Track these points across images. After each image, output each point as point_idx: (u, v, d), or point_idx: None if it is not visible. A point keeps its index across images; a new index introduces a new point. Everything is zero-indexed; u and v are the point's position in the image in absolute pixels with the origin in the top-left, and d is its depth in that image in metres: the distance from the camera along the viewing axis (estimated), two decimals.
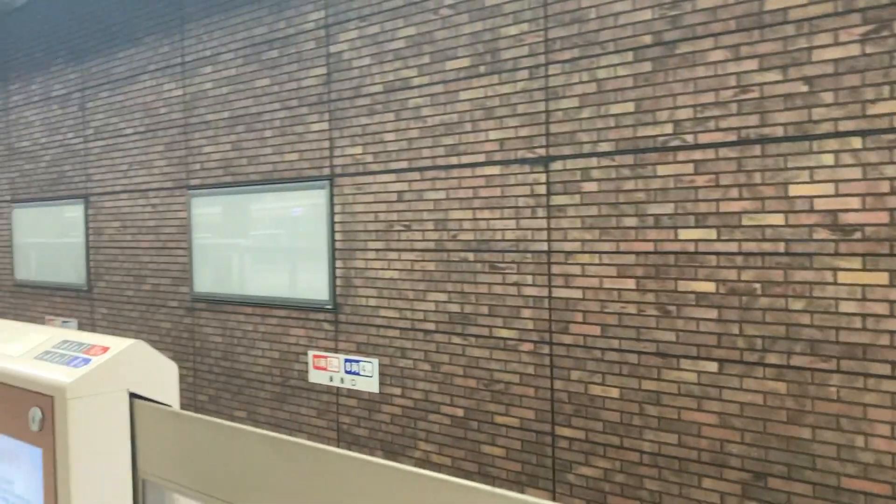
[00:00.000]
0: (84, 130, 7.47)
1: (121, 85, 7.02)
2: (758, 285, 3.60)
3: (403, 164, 4.93)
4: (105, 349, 1.35)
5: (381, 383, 5.11)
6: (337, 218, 5.30)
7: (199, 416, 1.24)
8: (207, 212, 6.25)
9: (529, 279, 4.38)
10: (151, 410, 1.30)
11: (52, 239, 7.97)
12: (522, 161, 4.38)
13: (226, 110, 6.05)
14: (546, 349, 4.33)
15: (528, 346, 4.40)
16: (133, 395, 1.33)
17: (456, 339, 4.72)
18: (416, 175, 4.86)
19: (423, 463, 4.92)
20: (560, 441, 4.29)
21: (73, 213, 7.63)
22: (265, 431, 1.15)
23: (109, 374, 1.31)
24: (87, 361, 1.32)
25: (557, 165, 4.24)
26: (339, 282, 5.32)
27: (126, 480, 1.32)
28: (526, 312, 4.40)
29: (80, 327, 7.63)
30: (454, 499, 0.92)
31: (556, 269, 4.28)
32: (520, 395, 4.45)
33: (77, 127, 7.55)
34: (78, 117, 7.53)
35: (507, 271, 4.47)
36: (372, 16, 5.07)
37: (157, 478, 1.29)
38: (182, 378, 6.53)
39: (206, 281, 6.27)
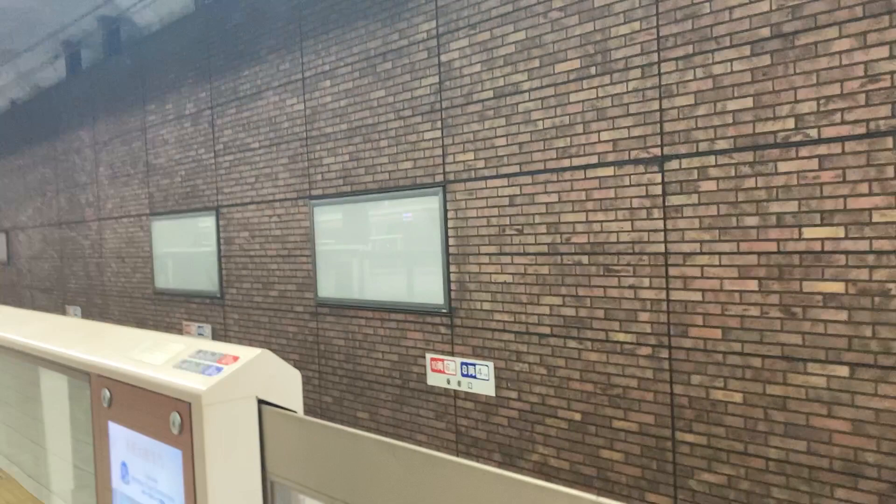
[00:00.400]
0: (214, 146, 7.91)
1: (247, 101, 7.39)
2: (892, 285, 3.40)
3: (515, 169, 4.95)
4: (235, 358, 1.45)
5: (498, 386, 5.16)
6: (450, 223, 5.39)
7: (322, 421, 1.32)
8: (329, 220, 6.49)
9: (646, 282, 4.31)
10: (278, 416, 1.39)
11: (187, 249, 8.48)
12: (636, 161, 4.32)
13: (343, 122, 6.27)
14: (665, 353, 4.24)
15: (645, 350, 4.33)
16: (261, 401, 1.43)
17: (571, 343, 4.70)
18: (528, 179, 4.88)
19: (542, 466, 4.93)
20: (681, 446, 4.20)
21: (206, 224, 8.09)
22: (381, 437, 1.21)
23: (239, 382, 1.41)
24: (219, 370, 1.42)
25: (673, 165, 4.16)
26: (453, 286, 5.40)
27: (256, 481, 1.42)
28: (643, 316, 4.33)
29: (214, 332, 8.09)
30: None
31: (673, 272, 4.19)
32: (638, 399, 4.38)
33: (207, 143, 8.01)
34: (208, 134, 7.99)
35: (622, 274, 4.42)
36: (481, 23, 5.12)
37: (283, 479, 1.38)
38: (308, 380, 6.81)
39: (328, 286, 6.52)
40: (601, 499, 0.87)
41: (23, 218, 12.86)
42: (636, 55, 4.28)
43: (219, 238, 7.90)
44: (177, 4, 8.41)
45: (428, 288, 5.58)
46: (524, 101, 4.88)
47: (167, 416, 1.46)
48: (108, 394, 1.69)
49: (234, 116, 7.57)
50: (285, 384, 1.46)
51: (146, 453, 1.58)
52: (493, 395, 5.19)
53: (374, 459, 1.21)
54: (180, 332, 8.67)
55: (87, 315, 10.80)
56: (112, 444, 1.71)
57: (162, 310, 9.02)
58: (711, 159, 3.98)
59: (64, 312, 11.46)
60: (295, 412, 1.41)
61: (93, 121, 10.40)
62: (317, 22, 6.49)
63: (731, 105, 3.89)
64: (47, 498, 2.52)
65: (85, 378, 1.82)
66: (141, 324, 9.45)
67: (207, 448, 1.38)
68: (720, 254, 3.97)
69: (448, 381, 5.51)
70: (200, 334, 8.31)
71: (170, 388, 1.46)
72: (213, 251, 7.99)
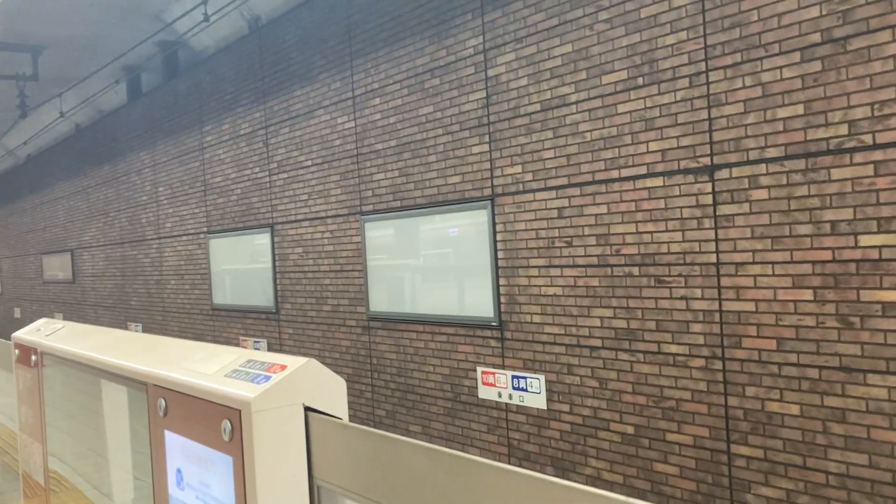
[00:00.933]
0: (268, 164, 8.09)
1: (299, 121, 7.55)
2: None
3: (563, 181, 4.96)
4: (283, 367, 1.50)
5: (549, 399, 5.14)
6: (499, 236, 5.41)
7: (366, 428, 1.36)
8: (379, 235, 6.58)
9: (698, 292, 4.26)
10: (324, 422, 1.43)
11: (243, 265, 8.67)
12: (686, 171, 4.28)
13: (393, 139, 6.36)
14: (718, 364, 4.18)
15: (698, 362, 4.28)
16: (307, 409, 1.47)
17: (623, 356, 4.66)
18: (576, 191, 4.87)
19: (595, 480, 4.89)
20: (737, 459, 4.12)
21: (261, 241, 8.27)
22: (422, 442, 1.24)
23: (287, 390, 1.46)
24: (267, 378, 1.48)
25: (723, 174, 4.11)
26: (503, 299, 5.41)
27: (303, 486, 1.46)
28: (695, 327, 4.28)
29: (269, 347, 8.24)
30: None
31: (725, 282, 4.13)
32: (692, 412, 4.32)
33: (262, 162, 8.20)
34: (263, 153, 8.18)
35: (673, 285, 4.37)
36: (528, 37, 5.16)
37: (329, 484, 1.42)
38: (361, 393, 6.88)
39: (380, 301, 6.59)
40: (630, 499, 0.88)
41: (87, 237, 13.31)
42: (683, 65, 4.26)
43: (274, 254, 8.07)
44: (231, 28, 8.65)
45: (478, 301, 5.61)
46: (571, 113, 4.89)
47: (219, 423, 1.51)
48: (164, 403, 1.76)
49: (288, 135, 7.74)
50: (331, 392, 1.50)
51: (200, 460, 1.63)
52: (545, 408, 5.17)
53: (416, 464, 1.24)
54: (237, 347, 8.84)
55: (147, 331, 11.10)
56: (168, 451, 1.78)
57: (219, 325, 9.22)
58: (762, 167, 3.93)
59: (126, 329, 11.80)
60: (340, 419, 1.45)
61: (152, 142, 10.73)
62: (366, 41, 6.61)
63: (782, 112, 3.84)
64: (108, 498, 2.60)
65: (142, 388, 1.90)
66: (199, 339, 9.68)
67: (257, 454, 1.43)
68: (773, 263, 3.91)
69: (499, 395, 5.51)
70: (256, 349, 8.47)
71: (221, 397, 1.51)
72: (268, 267, 8.15)
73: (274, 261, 8.07)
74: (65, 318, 14.36)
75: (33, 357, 2.88)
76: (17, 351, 3.11)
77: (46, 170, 15.31)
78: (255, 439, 1.42)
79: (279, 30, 7.81)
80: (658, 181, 4.42)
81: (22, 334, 3.11)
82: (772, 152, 3.88)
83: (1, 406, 4.14)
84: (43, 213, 15.60)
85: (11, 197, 17.84)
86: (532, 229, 5.19)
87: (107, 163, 12.34)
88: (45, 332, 2.92)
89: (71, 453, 2.93)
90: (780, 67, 3.84)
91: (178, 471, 1.74)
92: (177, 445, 1.73)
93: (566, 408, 5.03)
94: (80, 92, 11.89)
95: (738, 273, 4.06)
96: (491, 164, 5.47)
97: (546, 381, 5.15)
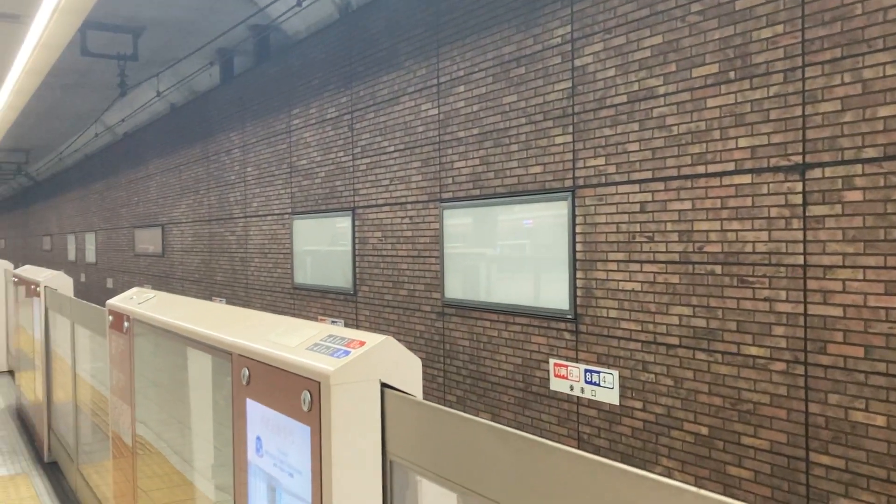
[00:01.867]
0: (352, 149, 8.23)
1: (384, 106, 7.65)
2: None
3: (647, 175, 4.88)
4: (362, 343, 1.54)
5: (622, 395, 5.09)
6: (578, 229, 5.37)
7: (439, 406, 1.38)
8: (457, 223, 6.61)
9: (783, 294, 4.14)
10: (399, 399, 1.46)
11: (324, 247, 8.86)
12: (776, 169, 4.15)
13: (475, 127, 6.37)
14: (800, 370, 4.06)
15: (779, 366, 4.16)
16: (383, 385, 1.51)
17: (700, 355, 4.57)
18: (660, 185, 4.79)
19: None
20: (815, 468, 4.00)
21: (343, 223, 8.43)
22: (495, 424, 1.26)
23: (365, 365, 1.50)
24: (346, 353, 1.52)
25: (815, 173, 3.97)
26: (579, 292, 5.38)
27: (376, 459, 1.50)
28: (778, 330, 4.16)
29: (346, 327, 8.41)
30: (679, 501, 0.95)
31: (812, 285, 4.00)
32: (770, 416, 4.21)
33: (346, 146, 8.34)
34: (347, 137, 8.32)
35: (757, 286, 4.26)
36: (617, 27, 5.08)
37: (402, 459, 1.45)
38: (433, 378, 6.95)
39: (455, 287, 6.64)
40: (702, 491, 0.88)
41: (176, 213, 13.83)
42: (779, 59, 4.13)
43: (354, 237, 8.21)
44: (322, 13, 8.81)
45: (553, 293, 5.58)
46: (659, 106, 4.80)
47: (299, 394, 1.57)
48: (247, 372, 1.83)
49: (372, 120, 7.85)
50: (406, 369, 1.54)
51: (279, 429, 1.70)
52: (618, 403, 5.12)
53: (488, 445, 1.26)
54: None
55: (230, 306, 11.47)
56: (249, 419, 1.85)
57: (300, 304, 9.46)
58: (858, 168, 3.78)
59: None
60: (414, 396, 1.48)
61: (242, 124, 11.05)
62: (453, 28, 6.63)
63: (883, 111, 3.68)
64: (189, 473, 2.71)
65: (227, 357, 1.97)
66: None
67: (334, 425, 1.47)
68: (865, 268, 3.76)
69: (571, 388, 5.48)
70: None
71: (302, 368, 1.57)
72: (348, 250, 8.31)
73: (354, 244, 8.21)
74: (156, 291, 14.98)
75: (125, 324, 3.02)
76: (110, 317, 3.28)
77: (141, 147, 15.95)
78: (332, 411, 1.47)
79: (368, 16, 7.91)
80: (746, 178, 4.30)
81: (116, 302, 3.27)
82: (869, 152, 3.73)
83: (93, 371, 4.36)
84: (137, 189, 16.27)
85: (108, 172, 18.67)
86: (613, 223, 5.12)
87: (198, 142, 12.77)
88: (138, 301, 3.07)
89: (155, 419, 3.07)
90: (884, 64, 3.67)
91: (258, 438, 1.81)
92: (257, 414, 1.80)
93: (639, 405, 4.97)
94: (176, 72, 12.33)
95: (827, 276, 3.93)
96: (573, 156, 5.43)
97: (620, 376, 5.10)
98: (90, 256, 20.36)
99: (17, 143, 20.51)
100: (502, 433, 1.21)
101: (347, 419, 1.48)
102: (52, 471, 5.16)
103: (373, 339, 1.54)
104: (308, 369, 1.54)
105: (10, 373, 9.08)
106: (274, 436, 1.72)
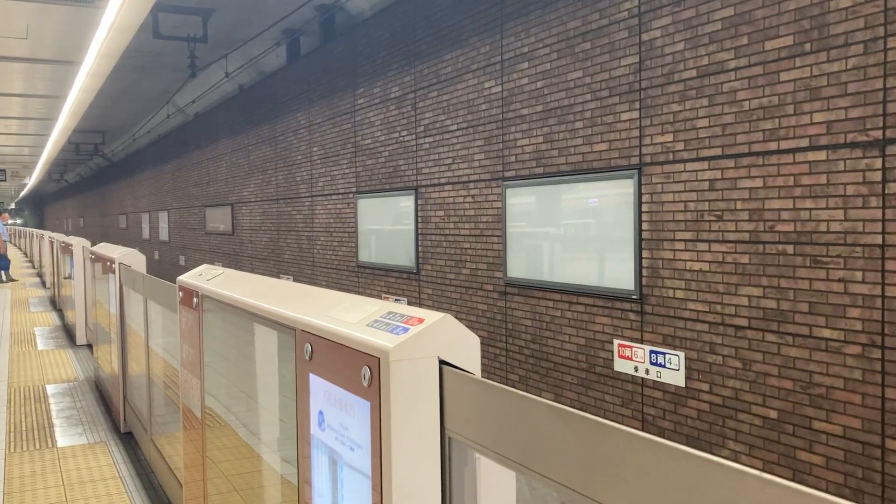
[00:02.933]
0: (416, 128, 8.24)
1: (447, 85, 7.62)
2: None
3: (716, 152, 4.74)
4: (421, 320, 1.54)
5: (688, 377, 4.99)
6: (644, 207, 5.27)
7: (498, 384, 1.38)
8: (520, 202, 6.57)
9: (858, 275, 3.99)
10: (457, 376, 1.46)
11: (388, 226, 8.93)
12: (853, 145, 3.99)
13: (539, 104, 6.30)
14: (877, 353, 3.91)
15: (854, 349, 4.01)
16: (442, 362, 1.51)
17: (770, 337, 4.45)
18: (730, 162, 4.65)
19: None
20: (891, 455, 3.86)
21: (406, 203, 8.47)
22: (554, 403, 1.25)
23: (424, 342, 1.50)
24: (405, 330, 1.52)
25: None
26: (645, 272, 5.29)
27: (435, 435, 1.50)
28: (853, 312, 4.01)
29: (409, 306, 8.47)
30: (743, 486, 0.93)
31: (891, 266, 3.84)
32: (843, 401, 4.07)
33: (410, 125, 8.36)
34: (411, 116, 8.33)
35: (831, 266, 4.11)
36: (687, 0, 4.93)
37: (460, 436, 1.45)
38: (495, 357, 6.96)
39: (518, 267, 6.61)
40: (765, 475, 0.85)
41: (245, 193, 14.12)
42: (858, 30, 3.94)
43: (417, 216, 8.25)
44: None
45: (618, 273, 5.51)
46: (729, 81, 4.65)
47: (359, 369, 1.58)
48: (309, 348, 1.85)
49: (435, 99, 7.83)
50: (465, 347, 1.53)
51: (340, 403, 1.72)
52: (683, 385, 5.03)
53: (547, 424, 1.25)
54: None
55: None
56: (312, 394, 1.88)
57: (364, 282, 9.57)
58: None
59: None
60: (473, 374, 1.48)
61: (308, 104, 11.18)
62: (518, 4, 6.55)
63: None
64: (257, 446, 2.78)
65: (291, 333, 2.01)
66: None
67: (393, 401, 1.48)
68: None
69: (636, 369, 5.41)
70: None
71: (362, 344, 1.58)
72: (411, 229, 8.35)
73: (417, 223, 8.25)
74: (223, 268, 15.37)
75: (195, 299, 3.10)
76: (181, 293, 3.37)
77: (211, 128, 16.31)
78: (391, 387, 1.47)
79: None
80: (821, 155, 4.14)
81: (185, 278, 3.36)
82: None
83: (165, 345, 4.49)
84: (207, 168, 16.67)
85: (180, 152, 19.17)
86: (680, 201, 5.01)
87: (266, 123, 12.98)
88: (206, 277, 3.14)
89: (224, 393, 3.15)
90: None
91: (320, 412, 1.84)
92: (320, 389, 1.83)
93: (706, 387, 4.87)
94: (244, 53, 12.54)
95: None
96: (640, 132, 5.31)
97: (686, 358, 5.01)
98: (163, 235, 21.00)
99: (94, 125, 21.23)
100: (562, 413, 1.20)
101: (406, 395, 1.48)
102: (128, 440, 5.37)
103: (431, 316, 1.54)
104: (368, 345, 1.55)
105: (89, 346, 9.46)
106: (336, 410, 1.75)
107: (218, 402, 3.11)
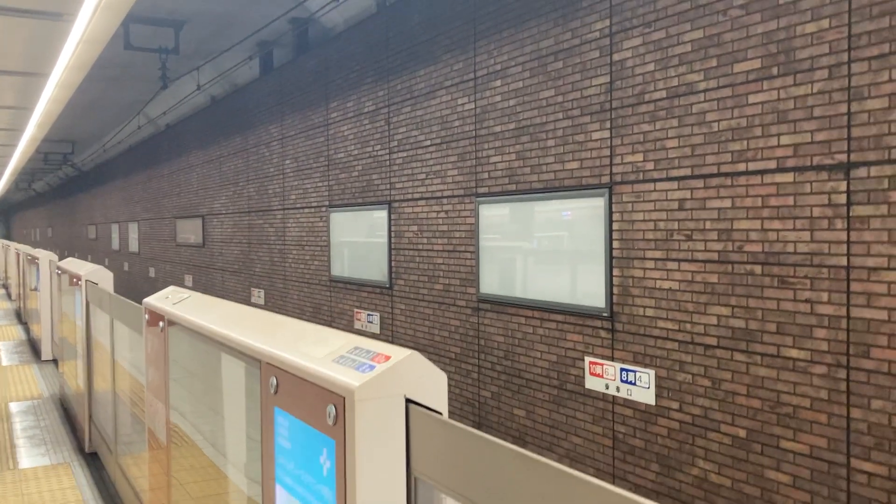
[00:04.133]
0: (389, 143, 8.23)
1: (421, 100, 7.63)
2: None
3: (686, 172, 4.79)
4: (387, 357, 1.53)
5: (658, 395, 5.02)
6: (615, 226, 5.30)
7: (464, 427, 1.37)
8: (493, 213, 6.58)
9: (825, 296, 4.04)
10: (424, 417, 1.45)
11: (361, 240, 8.89)
12: (819, 168, 4.05)
13: (512, 121, 6.32)
14: (842, 373, 3.96)
15: (820, 369, 4.06)
16: (408, 401, 1.50)
17: (739, 357, 4.49)
18: (699, 183, 4.70)
19: (701, 482, 4.75)
20: (857, 475, 3.90)
21: (379, 217, 8.45)
22: (521, 450, 1.24)
23: (390, 380, 1.49)
24: (371, 368, 1.51)
25: (860, 173, 3.86)
26: (615, 290, 5.31)
27: (401, 475, 1.49)
28: (819, 332, 4.06)
29: (382, 321, 8.43)
30: None
31: (856, 287, 3.89)
32: (810, 420, 4.12)
33: (383, 139, 8.35)
34: (384, 131, 8.32)
35: (798, 287, 4.16)
36: (657, 21, 4.99)
37: (426, 477, 1.44)
38: (467, 374, 6.95)
39: (490, 283, 6.61)
40: None
41: (217, 205, 14.00)
42: (823, 55, 4.01)
43: (390, 231, 8.23)
44: (360, 6, 8.82)
45: (589, 290, 5.53)
46: (699, 102, 4.71)
47: (324, 406, 1.56)
48: (275, 381, 1.83)
49: (409, 114, 7.83)
50: (431, 384, 1.52)
51: (305, 439, 1.70)
52: (654, 403, 5.06)
53: (513, 469, 1.24)
54: (352, 318, 9.11)
55: (269, 297, 11.60)
56: (276, 427, 1.86)
57: (336, 296, 9.52)
58: None
59: (249, 294, 12.37)
60: (440, 413, 1.47)
61: (281, 116, 11.12)
62: (491, 22, 6.58)
63: None
64: (223, 465, 2.74)
65: (257, 365, 1.98)
66: (317, 308, 10.02)
67: (358, 440, 1.47)
68: None
69: (607, 387, 5.43)
70: (370, 322, 8.69)
71: (328, 382, 1.56)
72: (384, 243, 8.33)
73: (390, 238, 8.23)
74: (194, 280, 15.21)
75: (161, 323, 3.06)
76: (147, 316, 3.32)
77: (183, 139, 16.17)
78: (357, 426, 1.46)
79: (406, 9, 7.89)
80: (788, 177, 4.20)
81: (152, 300, 3.31)
82: None
83: (132, 363, 4.43)
84: (178, 180, 16.51)
85: (151, 163, 18.96)
86: (650, 220, 5.05)
87: (238, 135, 12.89)
88: (173, 301, 3.10)
89: (191, 410, 3.11)
90: None
91: (285, 447, 1.82)
92: (285, 422, 1.80)
93: (675, 405, 4.90)
94: (216, 66, 12.45)
95: (871, 279, 3.82)
96: (611, 151, 5.35)
97: (656, 376, 5.03)
98: (133, 246, 20.75)
99: (63, 135, 20.95)
100: (528, 460, 1.19)
101: (372, 434, 1.47)
102: (93, 461, 5.27)
103: (398, 353, 1.53)
104: (334, 383, 1.54)
105: (55, 361, 9.30)
106: (301, 446, 1.73)
107: (185, 421, 3.06)
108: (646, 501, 1.00)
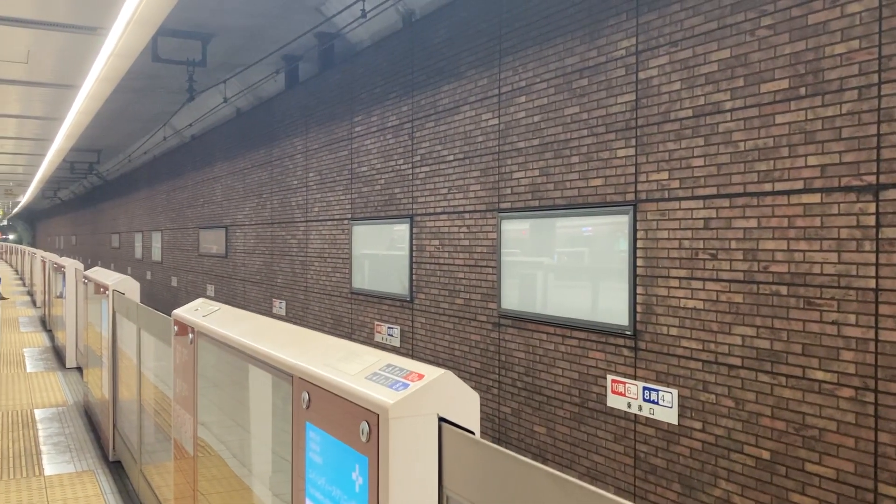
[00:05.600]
0: (412, 157, 8.28)
1: (444, 116, 7.67)
2: None
3: (711, 191, 4.78)
4: (421, 376, 1.55)
5: (681, 415, 4.99)
6: (639, 244, 5.29)
7: (497, 447, 1.38)
8: (515, 228, 6.59)
9: (852, 318, 4.00)
10: (457, 436, 1.46)
11: (382, 253, 8.93)
12: (847, 189, 4.02)
13: (536, 137, 6.34)
14: (870, 397, 3.92)
15: (847, 392, 4.02)
16: (441, 419, 1.51)
17: (763, 378, 4.46)
18: (725, 202, 4.69)
19: (724, 503, 4.71)
20: (884, 500, 3.85)
21: (401, 230, 8.48)
22: (555, 471, 1.25)
23: (424, 399, 1.50)
24: (405, 386, 1.52)
25: (890, 194, 3.83)
26: (639, 308, 5.30)
27: (433, 494, 1.50)
28: (846, 355, 4.02)
29: (402, 334, 8.45)
30: None
31: (884, 310, 3.86)
32: (836, 444, 4.08)
33: (406, 154, 8.40)
34: (407, 145, 8.37)
35: (825, 308, 4.13)
36: (684, 40, 5.00)
37: (458, 496, 1.45)
38: (487, 389, 6.94)
39: (511, 299, 6.61)
40: None
41: (240, 216, 14.11)
42: (853, 76, 4.00)
43: (411, 245, 8.26)
44: (386, 22, 8.89)
45: (612, 308, 5.51)
46: (725, 122, 4.70)
47: (357, 424, 1.58)
48: (307, 396, 1.85)
49: (432, 130, 7.88)
50: (464, 404, 1.53)
51: (337, 455, 1.71)
52: (676, 423, 5.03)
53: (545, 490, 1.25)
54: (372, 331, 9.13)
55: (290, 308, 11.66)
56: (308, 441, 1.87)
57: (357, 309, 9.55)
58: None
59: (271, 305, 12.44)
60: (472, 433, 1.48)
61: (305, 130, 11.22)
62: (516, 39, 6.62)
63: None
64: (248, 478, 2.76)
65: (288, 379, 2.00)
66: (337, 320, 10.06)
67: (392, 458, 1.48)
68: None
69: (629, 405, 5.40)
70: (391, 335, 8.71)
71: (361, 399, 1.58)
72: (405, 257, 8.36)
73: (411, 251, 8.26)
74: (216, 291, 15.32)
75: (190, 335, 3.10)
76: (175, 327, 3.36)
77: (208, 150, 16.34)
78: (390, 444, 1.47)
79: (431, 25, 7.95)
80: (815, 197, 4.18)
81: (181, 312, 3.35)
82: None
83: (157, 373, 4.47)
84: (202, 191, 16.67)
85: (175, 173, 19.17)
86: (675, 238, 5.04)
87: (262, 147, 13.01)
88: (203, 313, 3.14)
89: (216, 422, 3.13)
90: None
91: (316, 462, 1.83)
92: (316, 438, 1.82)
93: (698, 425, 4.87)
94: (242, 79, 12.60)
95: None
96: (636, 169, 5.35)
97: (679, 395, 5.00)
98: (156, 255, 20.94)
99: (89, 144, 21.25)
100: (561, 481, 1.20)
101: (405, 452, 1.48)
102: (117, 469, 5.32)
103: (431, 372, 1.54)
104: (367, 400, 1.56)
105: (79, 369, 9.40)
106: (332, 461, 1.74)
107: (210, 433, 3.09)
108: None
